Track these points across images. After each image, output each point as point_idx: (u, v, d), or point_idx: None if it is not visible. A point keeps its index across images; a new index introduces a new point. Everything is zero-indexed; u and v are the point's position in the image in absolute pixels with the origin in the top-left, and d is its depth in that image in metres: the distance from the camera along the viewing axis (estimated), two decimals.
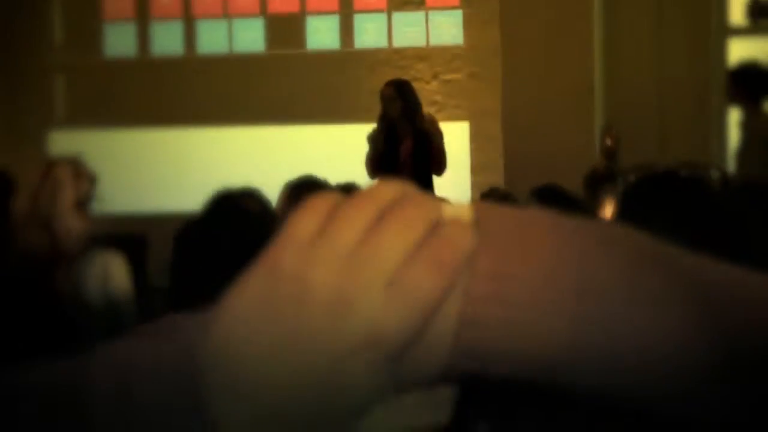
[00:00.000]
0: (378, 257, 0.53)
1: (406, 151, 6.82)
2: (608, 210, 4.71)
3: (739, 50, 7.64)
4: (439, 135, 6.86)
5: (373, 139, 6.88)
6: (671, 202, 1.67)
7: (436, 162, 6.81)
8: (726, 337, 0.56)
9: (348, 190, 5.18)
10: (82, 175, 4.27)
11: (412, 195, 0.55)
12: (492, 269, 0.54)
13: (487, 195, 5.38)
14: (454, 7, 8.26)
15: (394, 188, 0.56)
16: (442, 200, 0.56)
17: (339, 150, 8.04)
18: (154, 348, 0.60)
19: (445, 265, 0.53)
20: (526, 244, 0.55)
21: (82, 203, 4.26)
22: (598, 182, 5.05)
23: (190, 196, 4.58)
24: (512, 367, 0.54)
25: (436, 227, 0.54)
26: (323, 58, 8.46)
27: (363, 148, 7.07)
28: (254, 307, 0.53)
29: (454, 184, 7.32)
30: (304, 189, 4.22)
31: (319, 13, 8.49)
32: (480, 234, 0.55)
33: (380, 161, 6.82)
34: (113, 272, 3.52)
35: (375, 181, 0.57)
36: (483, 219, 0.56)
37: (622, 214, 1.79)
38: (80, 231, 4.16)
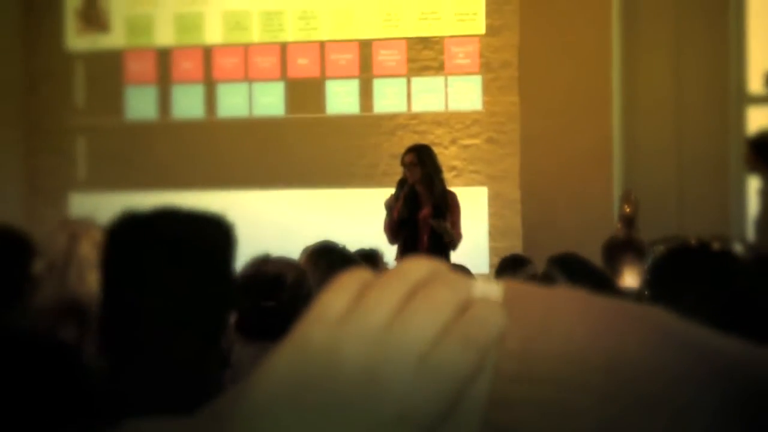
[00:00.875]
0: (408, 335, 0.53)
1: (425, 217, 6.82)
2: (628, 278, 4.70)
3: (758, 118, 7.66)
4: (455, 211, 6.87)
5: (390, 205, 6.90)
6: (703, 275, 1.67)
7: (450, 241, 6.81)
8: (750, 416, 0.56)
9: (370, 257, 5.16)
10: (100, 236, 4.27)
11: (442, 273, 0.56)
12: (520, 347, 0.54)
13: (507, 261, 5.37)
14: (473, 73, 8.32)
15: (424, 266, 0.56)
16: (471, 279, 0.57)
17: (358, 214, 8.06)
18: (183, 425, 0.60)
19: (476, 343, 0.53)
20: (554, 323, 0.56)
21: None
22: (617, 249, 5.04)
23: None
24: None
25: (466, 306, 0.54)
26: (342, 122, 8.52)
27: (381, 212, 7.08)
28: (284, 384, 0.53)
29: (472, 249, 7.32)
30: (322, 253, 4.23)
31: (339, 77, 8.56)
32: (509, 313, 0.55)
33: (399, 227, 6.83)
34: None
35: (405, 259, 0.57)
36: (512, 298, 0.56)
37: (651, 284, 1.79)
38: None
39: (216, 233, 1.74)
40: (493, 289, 0.56)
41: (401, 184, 6.90)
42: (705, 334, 0.59)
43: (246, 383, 0.54)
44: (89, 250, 3.93)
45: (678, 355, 0.56)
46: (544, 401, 0.53)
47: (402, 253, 6.67)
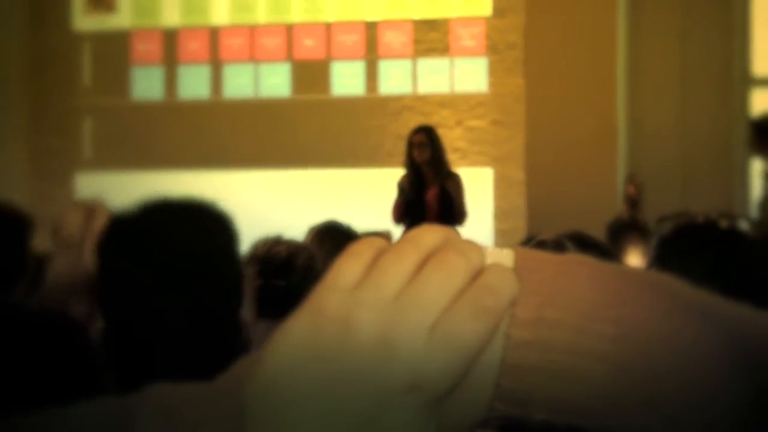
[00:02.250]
0: (421, 302, 0.53)
1: (432, 197, 6.85)
2: (632, 257, 4.73)
3: (762, 101, 7.68)
4: (460, 194, 6.91)
5: (402, 185, 6.92)
6: (710, 252, 1.69)
7: (456, 217, 6.85)
8: (761, 379, 0.57)
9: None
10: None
11: (454, 241, 0.56)
12: (532, 315, 0.54)
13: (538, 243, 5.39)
14: (478, 55, 8.33)
15: (437, 234, 0.57)
16: (483, 246, 0.57)
17: (363, 194, 8.09)
18: (201, 389, 0.61)
19: (488, 311, 0.53)
20: (565, 290, 0.56)
21: None
22: (621, 230, 5.07)
23: None
24: (552, 412, 0.54)
25: (479, 273, 0.55)
26: (348, 103, 8.53)
27: (387, 192, 7.11)
28: (299, 349, 0.53)
29: (477, 229, 7.35)
30: (328, 233, 4.26)
31: (345, 59, 8.57)
32: (520, 280, 0.55)
33: (407, 207, 6.86)
34: None
35: (419, 227, 0.58)
36: (523, 265, 0.57)
37: (657, 262, 1.81)
38: None
39: (213, 228, 1.71)
40: (504, 256, 0.57)
41: (411, 165, 6.92)
42: (716, 300, 0.59)
43: (262, 350, 0.54)
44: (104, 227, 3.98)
45: (689, 323, 0.56)
46: (556, 368, 0.54)
47: None
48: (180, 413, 0.60)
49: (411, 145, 6.94)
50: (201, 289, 1.63)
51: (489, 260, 0.56)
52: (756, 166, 7.38)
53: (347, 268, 0.55)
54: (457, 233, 0.58)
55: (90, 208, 3.87)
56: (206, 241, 1.66)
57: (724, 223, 1.80)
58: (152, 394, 0.62)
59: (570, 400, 0.54)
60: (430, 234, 0.57)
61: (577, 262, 0.58)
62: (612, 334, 0.54)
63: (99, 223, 3.83)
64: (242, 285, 1.71)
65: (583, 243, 4.12)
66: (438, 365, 0.52)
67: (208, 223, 1.68)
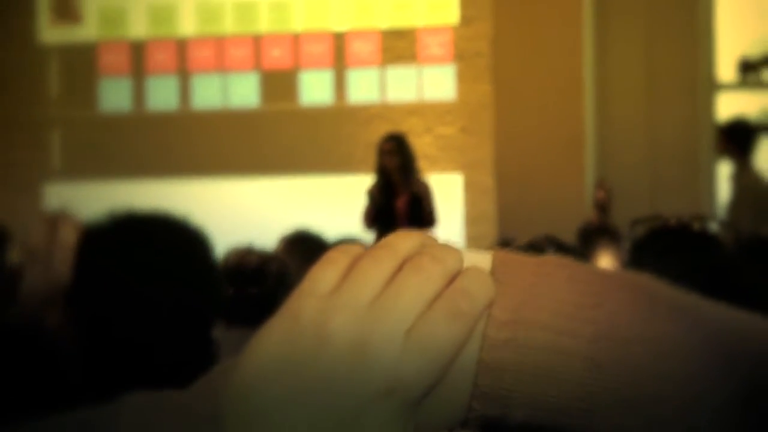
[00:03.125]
0: (397, 307, 0.53)
1: (402, 204, 6.88)
2: (603, 261, 4.77)
3: (728, 105, 7.76)
4: (429, 201, 6.95)
5: (372, 192, 6.95)
6: (684, 255, 1.71)
7: (426, 221, 6.89)
8: (744, 375, 0.57)
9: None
10: (78, 227, 4.29)
11: (431, 246, 0.57)
12: (509, 315, 0.55)
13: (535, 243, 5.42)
14: (446, 63, 8.36)
15: (414, 239, 0.58)
16: (461, 250, 0.58)
17: (332, 202, 8.09)
18: (177, 396, 0.62)
19: (463, 314, 0.54)
20: (543, 291, 0.56)
21: None
22: (592, 234, 5.11)
23: None
24: (531, 411, 0.54)
25: (455, 277, 0.55)
26: (317, 112, 8.54)
27: (356, 200, 7.12)
28: (275, 354, 0.53)
29: (447, 236, 7.38)
30: (299, 242, 4.27)
31: (313, 68, 8.58)
32: (498, 282, 0.56)
33: (377, 214, 6.88)
34: None
35: (396, 233, 0.59)
36: (501, 267, 0.57)
37: (631, 264, 1.83)
38: None
39: (192, 239, 1.71)
40: (481, 259, 0.58)
41: (381, 173, 6.94)
42: (698, 300, 0.59)
43: (238, 357, 0.54)
44: (70, 236, 3.96)
45: (671, 323, 0.56)
46: (534, 368, 0.54)
47: (380, 239, 6.71)
48: (157, 422, 0.60)
49: (381, 153, 6.96)
50: (178, 299, 1.63)
51: (467, 263, 0.57)
52: (723, 169, 7.46)
53: (323, 274, 0.55)
54: (434, 238, 0.59)
55: (55, 220, 3.86)
56: (186, 251, 1.67)
57: (696, 226, 1.82)
58: (128, 403, 0.62)
59: (548, 399, 0.54)
60: (406, 240, 0.57)
61: (554, 263, 0.58)
62: (590, 334, 0.54)
63: (66, 234, 3.81)
64: (218, 297, 1.72)
65: (553, 248, 4.15)
66: (414, 369, 0.52)
67: (188, 234, 1.68)
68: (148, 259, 1.66)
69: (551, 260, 0.59)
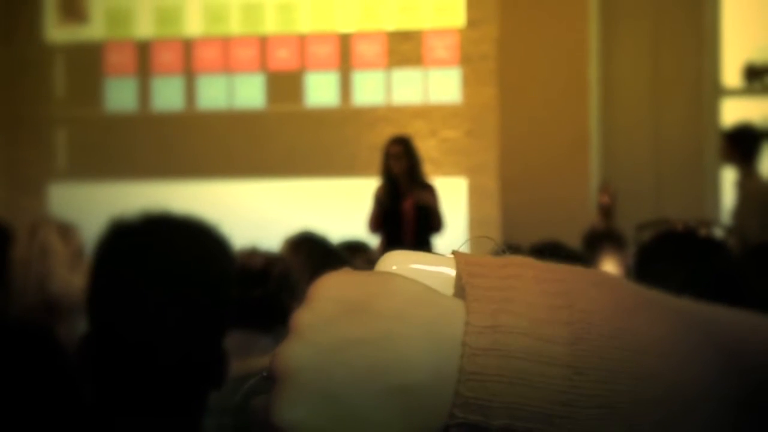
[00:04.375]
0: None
1: (408, 208, 6.88)
2: (608, 266, 4.77)
3: (733, 111, 7.76)
4: (436, 205, 6.96)
5: (379, 196, 6.95)
6: (690, 260, 1.70)
7: (434, 226, 6.90)
8: (745, 374, 0.57)
9: (356, 248, 5.19)
10: (69, 231, 4.28)
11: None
12: (487, 322, 0.55)
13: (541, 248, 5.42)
14: (452, 66, 8.37)
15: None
16: (422, 254, 0.60)
17: (338, 204, 8.10)
18: None
19: (441, 352, 0.55)
20: (515, 295, 0.56)
21: (77, 257, 4.26)
22: (596, 239, 5.11)
23: None
24: (513, 418, 0.54)
25: (428, 308, 0.57)
26: (322, 114, 8.55)
27: (362, 202, 7.12)
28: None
29: (451, 239, 7.38)
30: (303, 244, 4.26)
31: (319, 70, 8.59)
32: (467, 286, 0.56)
33: (384, 218, 6.88)
34: None
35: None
36: (467, 270, 0.58)
37: (638, 269, 1.83)
38: (78, 285, 4.15)
39: (215, 248, 1.72)
40: (444, 261, 0.59)
41: (387, 176, 6.95)
42: (656, 294, 0.59)
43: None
44: (52, 239, 3.95)
45: (635, 318, 0.56)
46: (515, 375, 0.54)
47: (386, 243, 6.72)
48: None
49: (388, 156, 6.96)
50: (194, 308, 1.64)
51: (429, 266, 0.59)
52: (727, 175, 7.45)
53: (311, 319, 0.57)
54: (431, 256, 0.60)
55: (35, 226, 3.85)
56: (208, 260, 1.67)
57: (703, 231, 1.82)
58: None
59: (530, 405, 0.54)
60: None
61: (517, 264, 0.58)
62: (567, 337, 0.55)
63: (47, 240, 3.80)
64: (233, 306, 1.72)
65: (558, 253, 4.16)
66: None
67: (211, 242, 1.69)
68: (172, 262, 1.66)
69: (514, 260, 0.59)
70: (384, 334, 0.55)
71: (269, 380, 0.56)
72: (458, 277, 0.58)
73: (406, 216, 6.86)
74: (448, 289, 0.58)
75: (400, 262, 0.60)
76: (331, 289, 0.57)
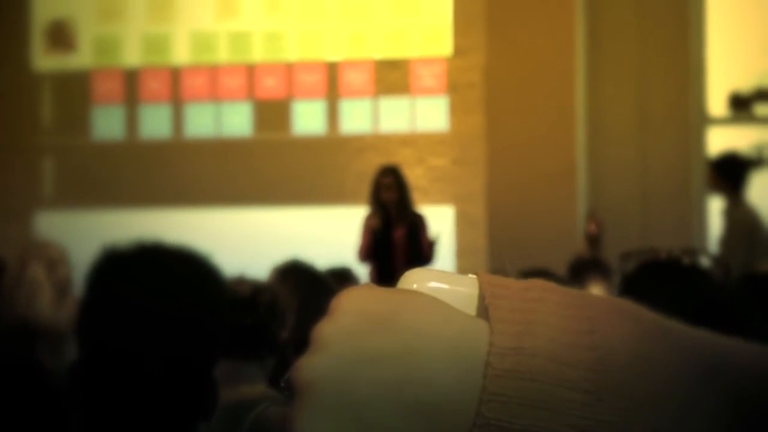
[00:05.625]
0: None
1: (400, 237, 6.89)
2: None
3: (719, 140, 7.80)
4: (425, 231, 6.99)
5: (370, 226, 6.96)
6: (673, 289, 1.70)
7: (424, 257, 6.91)
8: (733, 395, 0.57)
9: (342, 275, 5.18)
10: (58, 261, 4.26)
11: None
12: (511, 343, 0.55)
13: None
14: (439, 94, 8.39)
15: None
16: (446, 273, 0.60)
17: (325, 232, 8.10)
18: None
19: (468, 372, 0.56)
20: (538, 318, 0.56)
21: (63, 288, 4.24)
22: (582, 268, 5.11)
23: None
24: None
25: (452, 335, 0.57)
26: (309, 142, 8.56)
27: (349, 230, 7.13)
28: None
29: (438, 267, 7.38)
30: (291, 272, 4.26)
31: (306, 98, 8.61)
32: (490, 306, 0.57)
33: (375, 247, 6.89)
34: None
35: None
36: (490, 291, 0.58)
37: (622, 298, 1.83)
38: (66, 314, 4.14)
39: (206, 279, 1.73)
40: (467, 281, 0.59)
41: (377, 205, 6.96)
42: (674, 324, 0.60)
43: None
44: (39, 273, 3.94)
45: (660, 348, 0.57)
46: (537, 398, 0.54)
47: (377, 273, 6.73)
48: None
49: (379, 186, 6.98)
50: (186, 337, 1.64)
51: (452, 286, 0.59)
52: (714, 203, 7.48)
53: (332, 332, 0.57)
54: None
55: (26, 252, 3.84)
56: (201, 290, 1.68)
57: (687, 260, 1.83)
58: None
59: (550, 430, 0.54)
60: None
61: (540, 287, 0.59)
62: (589, 363, 0.55)
63: (39, 266, 3.80)
64: (224, 338, 1.72)
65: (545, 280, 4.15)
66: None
67: (203, 272, 1.70)
68: (165, 292, 1.66)
69: (537, 284, 0.59)
70: (408, 350, 0.55)
71: (288, 392, 0.56)
72: (481, 297, 0.58)
73: (397, 245, 6.87)
74: (468, 309, 0.58)
75: (421, 280, 0.60)
76: (355, 302, 0.57)
